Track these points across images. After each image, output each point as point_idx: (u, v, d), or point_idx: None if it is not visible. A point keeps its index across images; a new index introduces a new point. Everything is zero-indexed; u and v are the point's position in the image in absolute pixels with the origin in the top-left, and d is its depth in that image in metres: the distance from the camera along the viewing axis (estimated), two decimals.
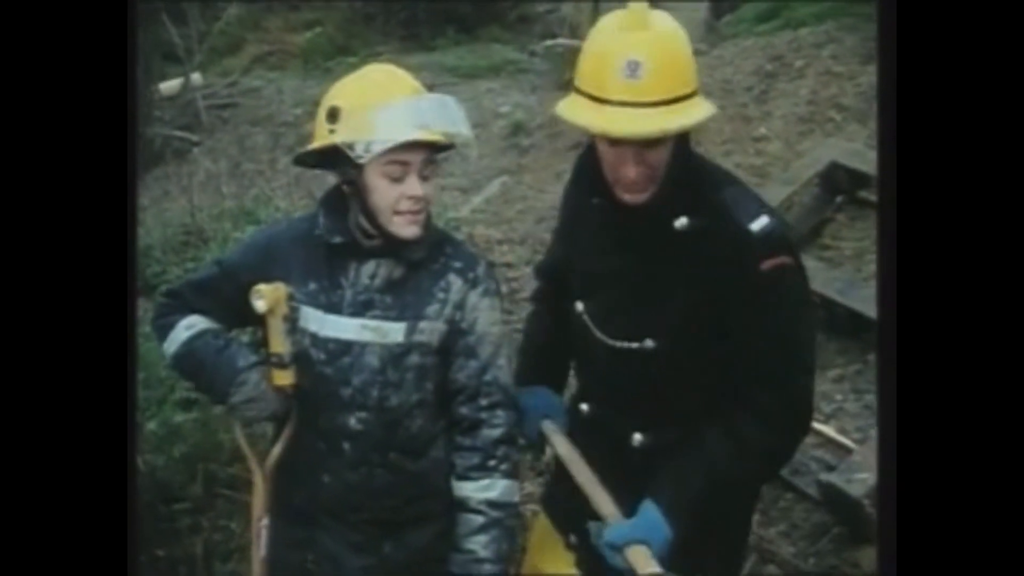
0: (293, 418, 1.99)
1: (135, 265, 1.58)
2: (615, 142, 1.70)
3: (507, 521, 1.94)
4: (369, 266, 1.93)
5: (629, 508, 1.84)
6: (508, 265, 4.68)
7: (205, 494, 3.20)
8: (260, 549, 2.00)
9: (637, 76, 1.66)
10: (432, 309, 1.92)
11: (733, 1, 7.42)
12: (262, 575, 2.01)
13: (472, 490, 1.93)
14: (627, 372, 1.85)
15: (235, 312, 1.96)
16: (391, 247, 1.92)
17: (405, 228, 1.89)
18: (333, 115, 1.88)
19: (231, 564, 2.98)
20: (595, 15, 6.90)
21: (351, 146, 1.84)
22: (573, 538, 2.00)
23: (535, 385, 2.06)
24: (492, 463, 1.94)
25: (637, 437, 1.87)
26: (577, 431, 1.99)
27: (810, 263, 3.84)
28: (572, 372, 2.14)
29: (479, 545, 1.92)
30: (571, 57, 6.75)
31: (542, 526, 2.14)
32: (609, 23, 1.74)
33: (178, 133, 7.50)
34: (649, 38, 1.69)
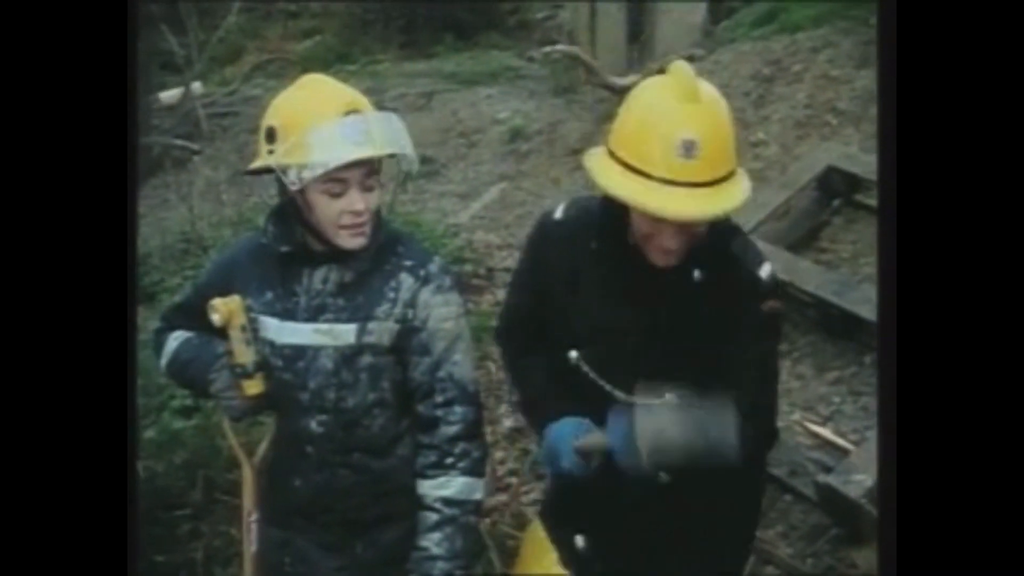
0: (276, 416, 2.03)
1: (135, 272, 1.60)
2: (657, 218, 1.67)
3: (463, 519, 1.96)
4: (321, 271, 1.96)
5: (660, 547, 1.90)
6: (507, 270, 4.68)
7: (205, 500, 3.22)
8: (251, 544, 2.04)
9: (692, 156, 1.62)
10: (382, 309, 1.93)
11: (730, 5, 7.44)
12: (253, 570, 2.05)
13: (429, 488, 1.96)
14: None
15: (213, 330, 1.99)
16: (340, 253, 1.94)
17: (350, 240, 1.91)
18: (270, 135, 1.89)
19: (231, 569, 2.99)
20: (592, 21, 6.93)
21: (285, 171, 1.85)
22: (580, 540, 1.98)
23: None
24: (449, 460, 1.95)
25: (663, 476, 1.81)
26: (575, 481, 1.92)
27: (807, 266, 3.88)
28: None
29: (432, 543, 1.94)
30: (569, 63, 6.77)
31: (536, 535, 2.12)
32: (655, 88, 1.70)
33: (178, 142, 7.50)
34: (702, 113, 1.65)
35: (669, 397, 1.73)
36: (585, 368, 1.85)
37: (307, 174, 1.83)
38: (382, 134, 1.87)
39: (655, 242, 1.73)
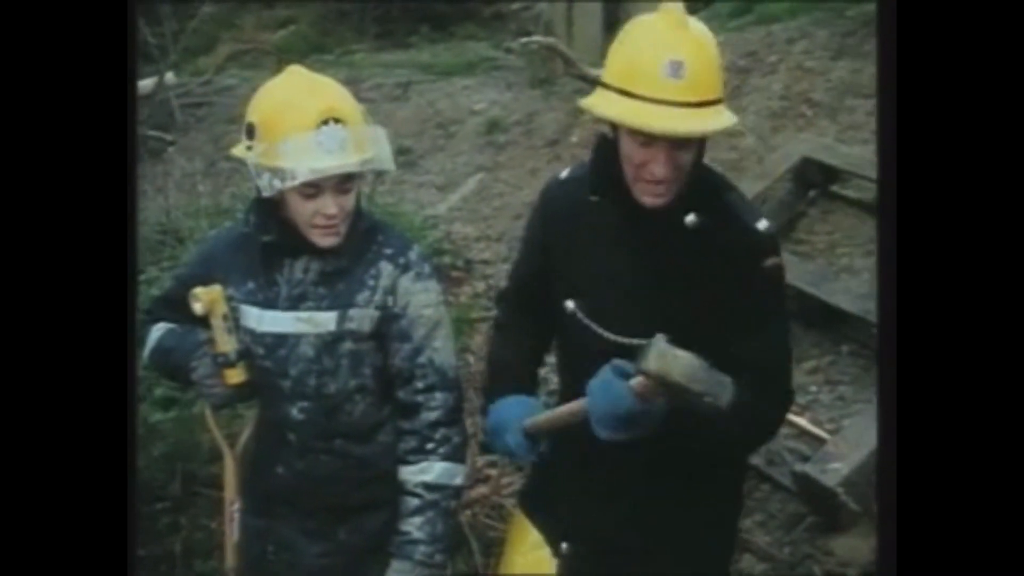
0: (258, 406, 2.03)
1: (135, 263, 1.59)
2: (647, 142, 1.71)
3: (444, 503, 1.98)
4: (302, 261, 1.97)
5: (644, 516, 1.87)
6: (485, 262, 4.69)
7: (184, 493, 3.21)
8: (233, 533, 2.05)
9: (679, 76, 1.67)
10: (362, 297, 1.95)
11: None
12: (235, 559, 2.06)
13: (409, 473, 1.98)
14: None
15: (196, 321, 2.00)
16: (318, 247, 1.95)
17: (322, 239, 1.93)
18: (250, 131, 1.90)
19: (211, 562, 2.98)
20: (569, 13, 6.92)
21: (260, 174, 1.86)
22: (565, 547, 1.96)
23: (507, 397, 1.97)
24: (430, 446, 1.97)
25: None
26: (565, 434, 1.92)
27: (784, 256, 3.88)
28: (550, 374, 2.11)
29: (413, 527, 1.96)
30: (546, 55, 6.76)
31: (521, 526, 2.10)
32: (645, 21, 1.76)
33: (152, 132, 7.41)
34: (689, 38, 1.71)
35: (659, 338, 1.71)
36: (580, 315, 1.86)
37: (277, 183, 1.85)
38: (357, 146, 1.88)
39: (646, 171, 1.73)
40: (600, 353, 1.83)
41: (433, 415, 1.97)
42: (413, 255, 2.00)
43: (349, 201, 1.93)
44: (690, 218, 1.77)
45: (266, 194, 1.87)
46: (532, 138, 5.92)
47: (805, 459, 3.05)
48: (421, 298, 1.98)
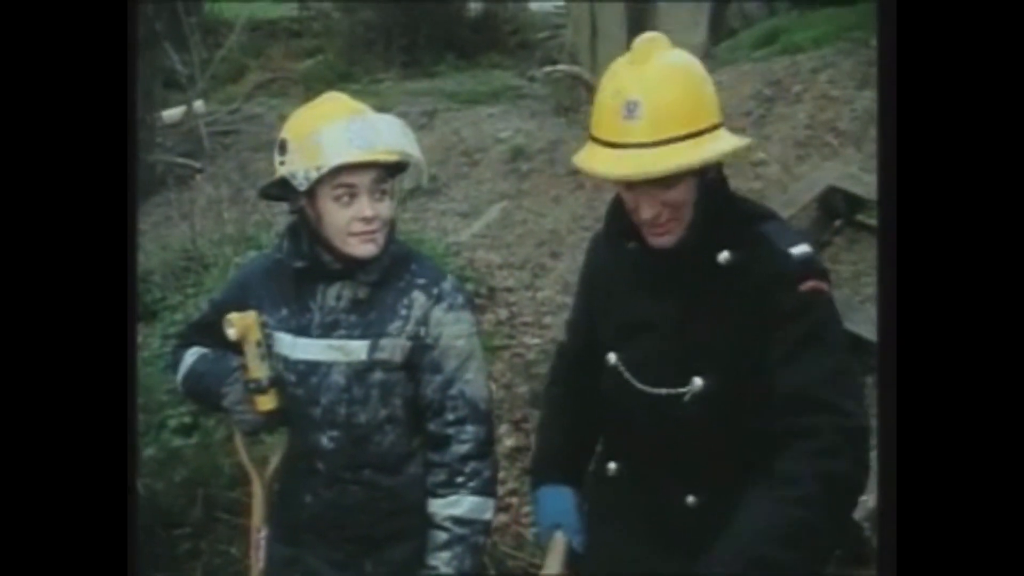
0: (288, 431, 2.02)
1: (135, 289, 1.60)
2: (629, 186, 1.67)
3: (472, 538, 1.95)
4: (335, 288, 1.97)
5: (688, 568, 1.73)
6: (508, 290, 4.69)
7: (205, 518, 3.21)
8: (259, 561, 2.04)
9: (635, 117, 1.62)
10: (394, 326, 1.94)
11: (731, 27, 7.48)
12: None
13: (439, 506, 1.95)
14: (669, 423, 1.75)
15: (230, 346, 2.00)
16: (352, 269, 1.94)
17: (360, 248, 1.92)
18: (282, 148, 1.92)
19: None
20: (593, 42, 6.96)
21: (294, 175, 1.87)
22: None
23: (560, 478, 1.96)
24: (460, 479, 1.95)
25: (691, 499, 1.77)
26: (604, 492, 1.91)
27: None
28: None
29: (441, 562, 1.93)
30: (570, 83, 6.80)
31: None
32: (613, 64, 1.71)
33: (180, 160, 7.52)
34: (649, 75, 1.64)
35: (696, 381, 1.70)
36: (621, 368, 1.80)
37: (315, 174, 1.85)
38: (391, 136, 1.89)
39: (637, 215, 1.71)
40: (641, 408, 1.78)
41: (464, 448, 1.95)
42: (446, 285, 1.99)
43: (385, 209, 1.92)
44: (723, 256, 1.69)
45: (302, 189, 1.87)
46: (555, 166, 5.93)
47: None
48: (453, 329, 1.96)
